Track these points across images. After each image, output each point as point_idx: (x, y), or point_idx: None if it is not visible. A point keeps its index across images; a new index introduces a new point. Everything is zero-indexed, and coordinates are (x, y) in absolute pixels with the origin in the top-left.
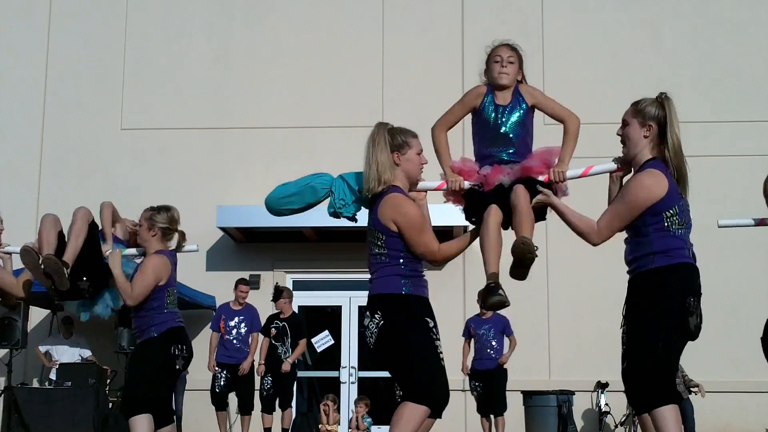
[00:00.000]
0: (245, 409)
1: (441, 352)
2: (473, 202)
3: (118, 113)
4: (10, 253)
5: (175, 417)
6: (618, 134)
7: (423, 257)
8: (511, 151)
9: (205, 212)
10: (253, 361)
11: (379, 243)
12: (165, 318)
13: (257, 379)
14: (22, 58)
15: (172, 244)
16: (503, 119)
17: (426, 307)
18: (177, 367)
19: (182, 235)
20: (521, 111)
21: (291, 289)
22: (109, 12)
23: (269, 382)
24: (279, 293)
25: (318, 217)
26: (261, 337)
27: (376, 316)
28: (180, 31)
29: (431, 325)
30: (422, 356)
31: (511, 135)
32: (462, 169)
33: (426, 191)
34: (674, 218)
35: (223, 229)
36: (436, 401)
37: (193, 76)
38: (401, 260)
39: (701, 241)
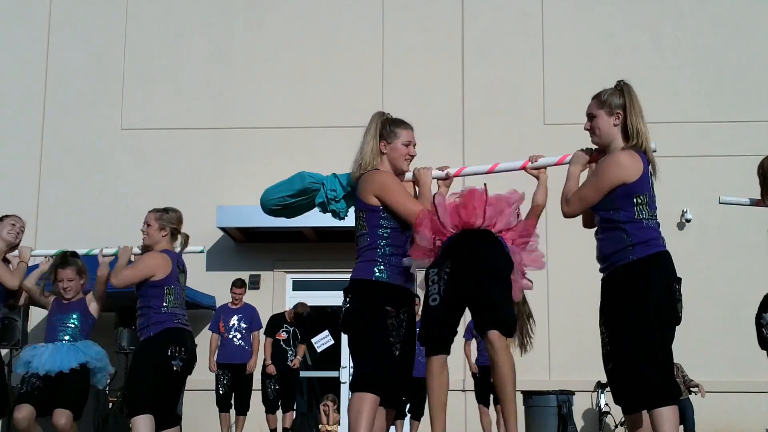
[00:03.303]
0: (241, 409)
1: (395, 342)
2: (431, 324)
3: (118, 113)
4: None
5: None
6: (586, 129)
7: (406, 217)
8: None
9: (205, 212)
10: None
11: (361, 222)
12: (163, 318)
13: (255, 380)
14: (22, 58)
15: (177, 246)
16: None
17: (393, 295)
18: (174, 368)
19: (186, 238)
20: None
21: (291, 289)
22: (109, 12)
23: (274, 383)
24: (303, 320)
25: (318, 217)
26: (263, 337)
27: (347, 300)
28: (180, 31)
29: (392, 313)
30: (371, 344)
31: None
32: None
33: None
34: (644, 207)
35: (223, 229)
36: (379, 388)
37: (193, 76)
38: (381, 242)
39: (701, 241)
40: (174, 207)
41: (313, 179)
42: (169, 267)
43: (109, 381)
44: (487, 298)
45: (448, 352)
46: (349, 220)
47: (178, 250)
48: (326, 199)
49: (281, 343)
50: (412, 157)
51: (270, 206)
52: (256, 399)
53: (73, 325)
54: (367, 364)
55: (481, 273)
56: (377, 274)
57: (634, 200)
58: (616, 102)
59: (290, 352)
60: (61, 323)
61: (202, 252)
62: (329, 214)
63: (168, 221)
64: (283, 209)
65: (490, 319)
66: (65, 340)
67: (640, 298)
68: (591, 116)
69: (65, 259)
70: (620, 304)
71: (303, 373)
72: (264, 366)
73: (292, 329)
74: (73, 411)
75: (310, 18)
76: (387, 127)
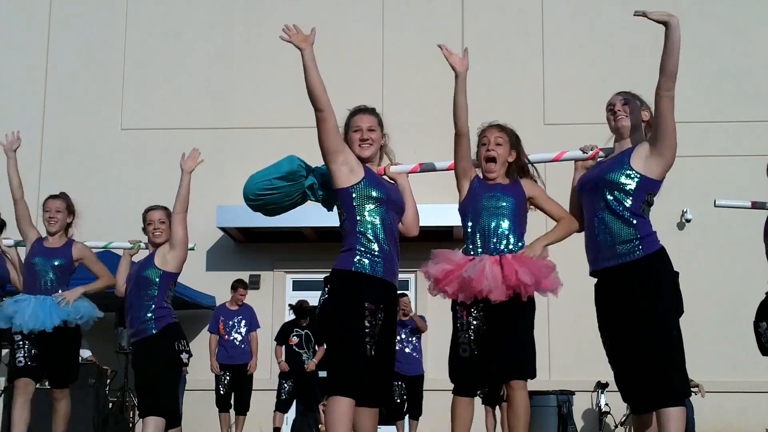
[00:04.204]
0: (241, 408)
1: (370, 342)
2: (463, 373)
3: (118, 113)
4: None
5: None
6: (615, 108)
7: (315, 107)
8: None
9: (205, 212)
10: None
11: (340, 210)
12: (163, 313)
13: (256, 381)
14: (22, 58)
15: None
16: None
17: (373, 289)
18: (184, 361)
19: None
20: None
21: (291, 289)
22: (109, 12)
23: (289, 386)
24: (307, 310)
25: (318, 217)
26: (261, 338)
27: (325, 289)
28: (180, 31)
29: (371, 310)
30: (344, 344)
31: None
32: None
33: (406, 173)
34: (647, 207)
35: (223, 229)
36: (352, 391)
37: (193, 76)
38: (359, 223)
39: (701, 241)
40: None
41: (303, 164)
42: (182, 264)
43: (109, 382)
44: (518, 355)
45: (474, 395)
46: None
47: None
48: (317, 183)
49: (294, 347)
50: (365, 140)
51: (255, 191)
52: (256, 399)
53: (54, 275)
54: (339, 366)
55: (514, 331)
56: (357, 264)
57: (647, 196)
58: (648, 104)
59: (304, 356)
60: (42, 267)
61: (192, 249)
62: (324, 210)
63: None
64: (267, 196)
65: (519, 372)
66: (47, 288)
67: (654, 297)
68: (626, 101)
69: (60, 193)
70: (632, 304)
71: None
72: (280, 367)
73: (303, 333)
74: (68, 385)
75: (310, 18)
76: (346, 120)
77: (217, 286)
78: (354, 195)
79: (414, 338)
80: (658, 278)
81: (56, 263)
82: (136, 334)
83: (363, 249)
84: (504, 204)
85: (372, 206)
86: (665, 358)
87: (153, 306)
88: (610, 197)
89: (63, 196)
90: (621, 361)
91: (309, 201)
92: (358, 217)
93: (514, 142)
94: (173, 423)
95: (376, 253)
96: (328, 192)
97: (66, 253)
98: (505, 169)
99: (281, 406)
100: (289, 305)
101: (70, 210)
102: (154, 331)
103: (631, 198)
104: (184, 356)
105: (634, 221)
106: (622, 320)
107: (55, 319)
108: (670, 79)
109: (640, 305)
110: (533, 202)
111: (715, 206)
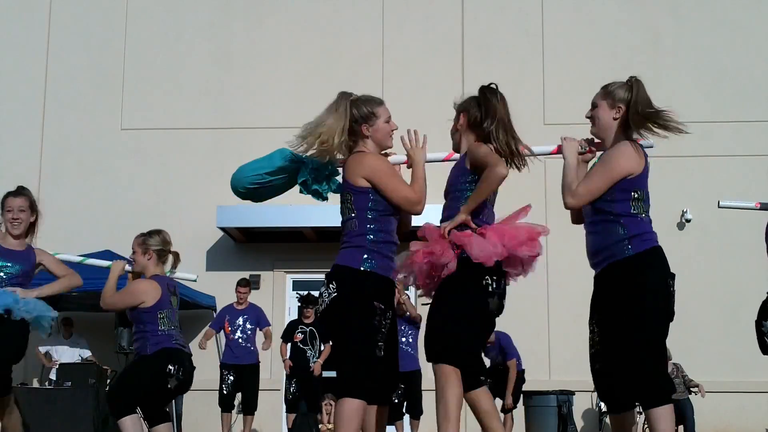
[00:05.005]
0: (248, 408)
1: (381, 341)
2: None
3: (118, 113)
4: None
5: (174, 416)
6: (587, 116)
7: (402, 204)
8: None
9: (205, 212)
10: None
11: (348, 205)
12: (159, 339)
13: (262, 381)
14: (22, 58)
15: (168, 266)
16: None
17: (382, 289)
18: (169, 386)
19: (176, 256)
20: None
21: (291, 289)
22: (109, 12)
23: (295, 386)
24: (313, 301)
25: (318, 217)
26: (280, 338)
27: (331, 286)
28: (180, 31)
29: (380, 309)
30: (357, 342)
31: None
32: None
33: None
34: (640, 203)
35: (223, 229)
36: (367, 391)
37: (193, 76)
38: (370, 225)
39: (701, 241)
40: (160, 229)
41: (294, 156)
42: (159, 292)
43: (109, 382)
44: (439, 339)
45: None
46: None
47: (168, 269)
48: (309, 178)
49: (298, 344)
50: (394, 130)
51: (245, 184)
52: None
53: (10, 274)
54: (352, 367)
55: (433, 313)
56: (366, 263)
57: (632, 194)
58: (621, 96)
59: (309, 352)
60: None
61: (194, 281)
62: (324, 210)
63: (151, 245)
64: (256, 189)
65: (445, 358)
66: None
67: (640, 296)
68: (594, 105)
69: (18, 188)
70: (618, 302)
71: None
72: (288, 367)
73: (308, 329)
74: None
75: (310, 18)
76: (363, 108)
77: (217, 286)
78: (371, 197)
79: (411, 332)
80: (644, 277)
81: (18, 268)
82: (137, 355)
83: (370, 247)
84: (452, 181)
85: (383, 207)
86: (647, 360)
87: (149, 335)
88: (598, 204)
89: (25, 193)
90: (604, 361)
91: (308, 201)
92: (369, 216)
93: (463, 106)
94: (158, 419)
95: (382, 253)
96: (322, 184)
97: (29, 259)
98: (468, 135)
99: (291, 407)
100: (298, 294)
101: (33, 208)
102: (148, 352)
103: (615, 201)
104: (171, 381)
105: (623, 221)
106: (607, 319)
107: (7, 299)
108: (568, 193)
109: (624, 305)
110: (474, 164)
111: (719, 207)
